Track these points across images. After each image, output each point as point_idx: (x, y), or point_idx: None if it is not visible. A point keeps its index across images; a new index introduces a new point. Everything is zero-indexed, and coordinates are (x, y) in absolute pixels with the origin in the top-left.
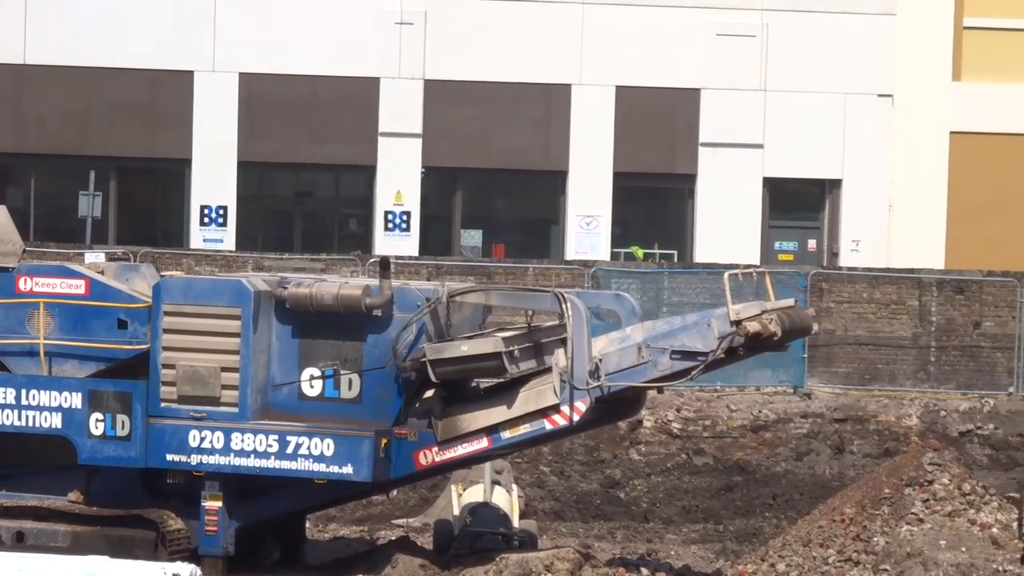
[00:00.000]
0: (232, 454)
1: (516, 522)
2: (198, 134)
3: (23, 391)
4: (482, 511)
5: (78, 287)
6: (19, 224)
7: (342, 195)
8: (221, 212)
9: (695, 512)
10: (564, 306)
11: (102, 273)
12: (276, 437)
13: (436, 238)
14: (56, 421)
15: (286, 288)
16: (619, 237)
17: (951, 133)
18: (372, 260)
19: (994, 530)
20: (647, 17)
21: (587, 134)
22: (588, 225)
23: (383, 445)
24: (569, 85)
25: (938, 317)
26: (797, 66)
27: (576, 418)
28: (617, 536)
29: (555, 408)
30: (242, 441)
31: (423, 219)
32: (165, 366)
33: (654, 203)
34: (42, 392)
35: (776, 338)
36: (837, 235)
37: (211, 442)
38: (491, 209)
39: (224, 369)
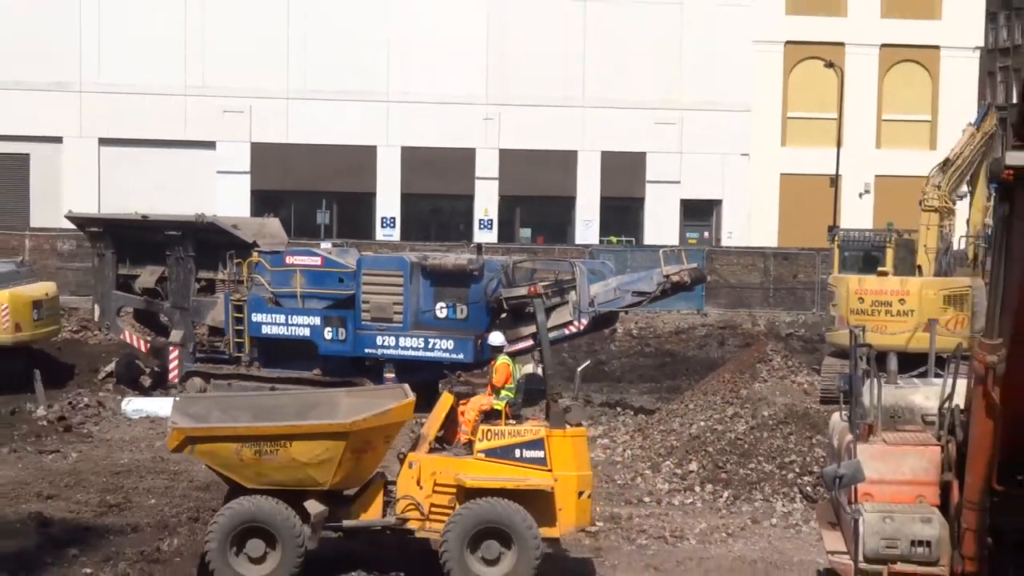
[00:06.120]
0: (399, 348)
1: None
2: (381, 177)
3: (289, 316)
4: (532, 377)
5: (316, 261)
6: (284, 227)
7: (455, 211)
8: (391, 220)
9: (646, 377)
10: (575, 269)
11: (329, 253)
12: (422, 339)
13: (505, 233)
14: (306, 332)
15: (427, 260)
16: (604, 230)
17: None
18: (472, 245)
19: (805, 386)
20: None
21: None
22: (587, 225)
23: (479, 343)
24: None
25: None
26: None
27: (582, 327)
28: (604, 390)
29: (571, 322)
30: (404, 341)
31: (499, 223)
32: (364, 302)
33: (620, 215)
34: (298, 316)
35: (688, 285)
36: (720, 228)
37: (388, 342)
38: (535, 218)
39: (394, 303)
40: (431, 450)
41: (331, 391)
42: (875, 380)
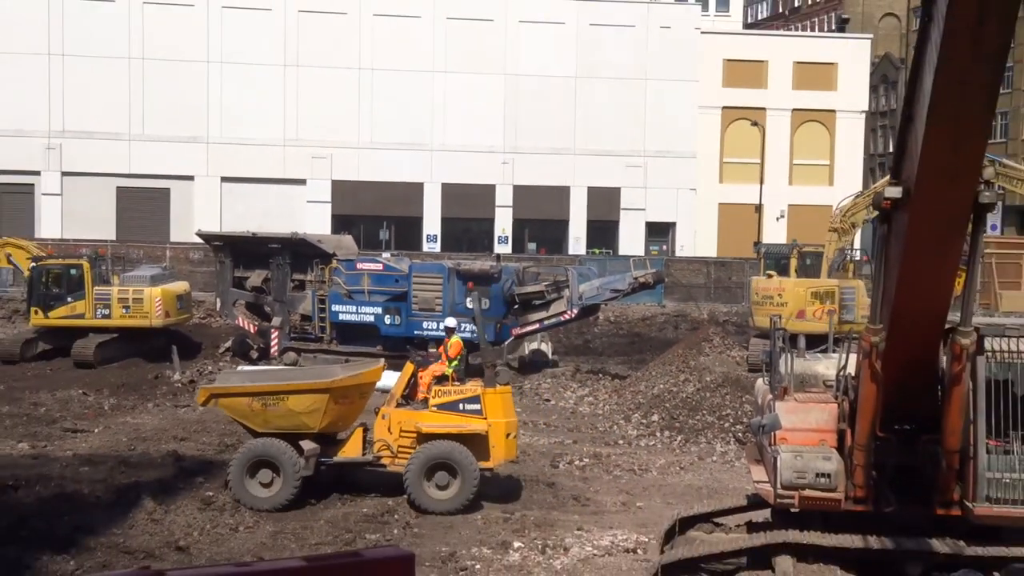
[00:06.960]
0: (440, 330)
1: (549, 355)
2: (427, 205)
3: (359, 307)
4: (536, 352)
5: (379, 266)
6: (355, 242)
7: (481, 230)
8: (434, 237)
9: (620, 351)
10: (568, 272)
11: (389, 261)
12: (456, 321)
13: (517, 246)
14: (371, 318)
15: (460, 266)
16: (589, 245)
17: None
18: (493, 255)
19: (737, 358)
20: None
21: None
22: (577, 241)
23: (499, 326)
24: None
25: (715, 275)
26: None
27: (573, 315)
28: (589, 361)
29: (565, 312)
30: (444, 323)
31: (513, 239)
32: (414, 296)
33: (601, 233)
34: (365, 307)
35: (651, 284)
36: (675, 243)
37: (432, 326)
38: (539, 235)
39: (436, 297)
40: (398, 405)
41: (331, 366)
42: (789, 354)
